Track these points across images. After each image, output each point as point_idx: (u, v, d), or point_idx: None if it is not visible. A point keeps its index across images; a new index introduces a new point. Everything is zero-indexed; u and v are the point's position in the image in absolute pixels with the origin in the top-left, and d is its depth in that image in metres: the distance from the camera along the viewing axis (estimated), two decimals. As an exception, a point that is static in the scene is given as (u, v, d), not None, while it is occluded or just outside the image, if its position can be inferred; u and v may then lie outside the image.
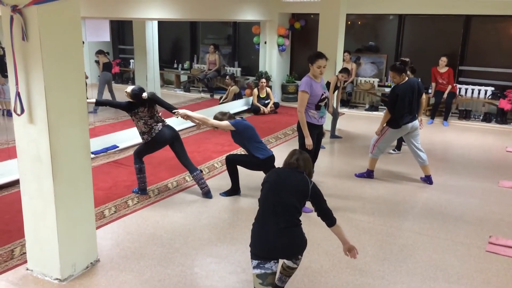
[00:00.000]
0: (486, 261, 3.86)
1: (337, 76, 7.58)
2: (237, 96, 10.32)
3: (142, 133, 4.92)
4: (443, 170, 6.21)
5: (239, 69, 12.16)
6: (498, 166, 6.54)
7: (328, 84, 7.06)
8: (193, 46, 12.98)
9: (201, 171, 5.27)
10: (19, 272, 3.55)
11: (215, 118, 4.96)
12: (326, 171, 6.08)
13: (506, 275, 3.66)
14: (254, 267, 2.90)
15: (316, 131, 4.87)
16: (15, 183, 5.02)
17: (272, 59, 11.03)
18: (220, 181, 5.58)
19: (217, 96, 11.29)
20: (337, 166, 6.57)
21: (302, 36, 11.35)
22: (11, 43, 3.06)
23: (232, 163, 5.06)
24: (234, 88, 10.31)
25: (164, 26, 12.03)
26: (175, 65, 12.89)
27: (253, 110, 9.78)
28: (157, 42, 10.59)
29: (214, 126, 4.95)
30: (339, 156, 7.19)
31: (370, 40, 10.88)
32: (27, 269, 3.54)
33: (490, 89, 9.32)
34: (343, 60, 9.46)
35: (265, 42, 10.97)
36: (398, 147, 7.07)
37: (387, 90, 9.69)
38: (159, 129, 4.88)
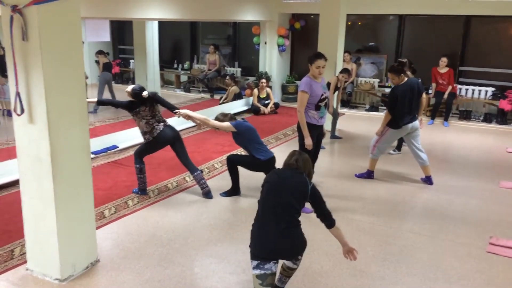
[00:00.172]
0: (486, 262, 3.85)
1: (337, 76, 7.58)
2: (237, 97, 10.31)
3: (143, 133, 4.92)
4: (443, 171, 6.20)
5: (239, 69, 12.17)
6: (499, 167, 6.53)
7: (328, 84, 7.05)
8: (193, 46, 12.98)
9: (202, 171, 5.27)
10: (19, 272, 3.55)
11: (216, 119, 4.96)
12: (326, 172, 6.07)
13: (507, 276, 3.65)
14: (253, 268, 2.90)
15: (316, 132, 4.87)
16: (15, 183, 5.01)
17: (272, 60, 11.03)
18: (220, 181, 5.58)
19: (217, 97, 11.29)
20: (337, 166, 6.56)
21: (302, 37, 11.35)
22: (11, 43, 3.06)
23: (232, 164, 5.05)
24: (234, 89, 10.31)
25: (164, 26, 12.03)
26: (175, 65, 12.89)
27: (253, 110, 9.78)
28: (157, 42, 10.59)
29: (215, 127, 4.95)
30: (339, 156, 7.19)
31: (370, 40, 10.88)
32: (27, 269, 3.54)
33: (490, 90, 9.31)
34: (343, 61, 9.45)
35: (265, 43, 10.96)
36: (399, 148, 7.07)
37: (387, 90, 9.68)
38: (161, 129, 4.88)
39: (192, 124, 5.80)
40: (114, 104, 5.24)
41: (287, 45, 11.20)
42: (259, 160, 4.86)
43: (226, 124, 4.87)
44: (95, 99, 5.17)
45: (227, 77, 10.76)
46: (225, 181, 5.40)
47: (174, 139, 4.97)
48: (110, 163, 6.25)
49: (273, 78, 10.99)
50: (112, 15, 7.08)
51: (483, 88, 9.38)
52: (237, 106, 9.90)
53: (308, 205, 3.09)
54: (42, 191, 3.27)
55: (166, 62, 12.83)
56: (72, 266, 3.46)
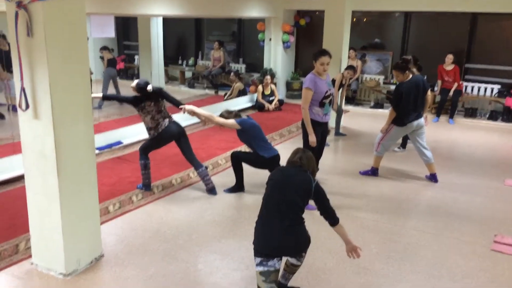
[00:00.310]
0: (491, 260, 3.84)
1: (342, 73, 7.55)
2: (242, 93, 10.30)
3: (149, 129, 4.93)
4: (448, 168, 6.18)
5: (244, 65, 12.15)
6: (504, 165, 6.50)
7: (333, 81, 7.03)
8: (198, 42, 12.97)
9: (206, 168, 5.28)
10: (23, 266, 3.57)
11: (221, 116, 4.95)
12: (330, 169, 6.06)
13: (511, 274, 3.64)
14: (257, 265, 2.90)
15: (320, 129, 4.86)
16: (20, 178, 5.03)
17: (277, 56, 11.00)
18: (224, 177, 5.58)
19: (221, 93, 11.28)
20: (341, 163, 6.55)
21: (307, 33, 11.31)
22: (16, 38, 3.06)
23: (237, 160, 5.06)
24: (238, 85, 10.30)
25: (169, 22, 12.03)
26: (180, 62, 12.88)
27: (258, 107, 9.77)
28: (162, 38, 10.59)
29: (220, 124, 4.95)
30: (344, 153, 7.17)
31: (375, 37, 10.82)
32: (32, 264, 3.56)
33: (496, 87, 9.25)
34: (349, 57, 9.41)
35: (270, 39, 10.94)
36: (403, 145, 7.04)
37: (393, 87, 9.63)
38: (166, 124, 4.88)
39: (197, 120, 5.81)
40: (119, 99, 5.24)
41: (292, 41, 11.16)
42: (263, 157, 4.86)
43: (231, 121, 4.86)
44: (100, 94, 5.18)
45: (232, 74, 10.74)
46: (229, 178, 5.40)
47: (179, 135, 4.98)
48: (115, 158, 6.26)
49: (277, 75, 10.96)
50: (117, 11, 7.08)
51: (489, 86, 9.32)
52: (242, 102, 9.89)
53: (311, 202, 3.08)
54: (47, 187, 3.28)
55: (170, 58, 12.83)
56: (76, 261, 3.47)
